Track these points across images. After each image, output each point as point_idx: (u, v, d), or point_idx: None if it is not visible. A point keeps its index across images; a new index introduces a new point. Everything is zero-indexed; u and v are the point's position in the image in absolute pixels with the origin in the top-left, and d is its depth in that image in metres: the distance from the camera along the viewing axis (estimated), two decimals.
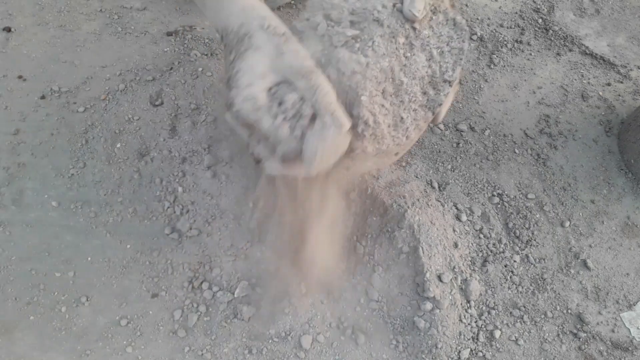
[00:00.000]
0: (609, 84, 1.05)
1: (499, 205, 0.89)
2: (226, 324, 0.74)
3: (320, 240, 0.71)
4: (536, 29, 1.12)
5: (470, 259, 0.82)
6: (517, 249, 0.85)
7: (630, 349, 0.79)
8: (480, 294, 0.80)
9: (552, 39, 1.10)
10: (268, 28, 0.51)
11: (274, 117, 0.51)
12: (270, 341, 0.73)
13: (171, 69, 0.95)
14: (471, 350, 0.76)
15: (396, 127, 0.56)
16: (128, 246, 0.79)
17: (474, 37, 1.08)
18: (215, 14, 0.54)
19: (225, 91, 0.53)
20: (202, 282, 0.76)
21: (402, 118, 0.56)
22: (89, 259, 0.78)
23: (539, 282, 0.83)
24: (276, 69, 0.51)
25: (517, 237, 0.86)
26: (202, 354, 0.72)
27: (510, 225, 0.87)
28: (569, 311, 0.81)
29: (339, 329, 0.75)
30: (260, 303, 0.75)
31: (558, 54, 1.08)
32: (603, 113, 1.01)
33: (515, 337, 0.78)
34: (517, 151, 0.95)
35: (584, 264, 0.85)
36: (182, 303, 0.75)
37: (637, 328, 0.81)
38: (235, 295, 0.75)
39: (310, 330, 0.74)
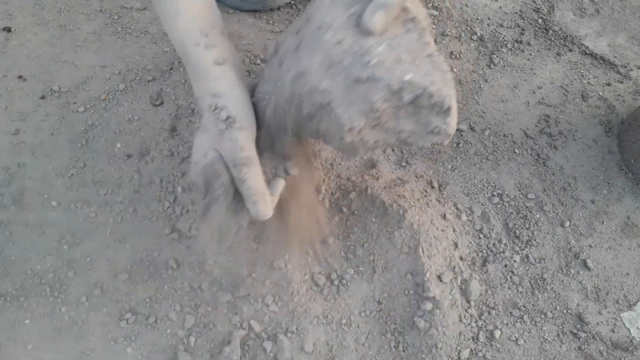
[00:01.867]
0: (609, 84, 1.05)
1: (499, 205, 0.89)
2: (227, 324, 0.74)
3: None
4: (536, 29, 1.12)
5: (470, 259, 0.82)
6: (517, 249, 0.85)
7: (630, 349, 0.79)
8: (480, 294, 0.80)
9: (552, 39, 1.10)
10: (215, 110, 0.52)
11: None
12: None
13: (171, 69, 0.95)
14: (471, 350, 0.76)
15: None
16: (128, 246, 0.79)
17: (474, 37, 1.08)
18: (190, 78, 0.56)
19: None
20: (201, 283, 0.76)
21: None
22: (89, 259, 0.78)
23: (539, 282, 0.83)
24: (219, 151, 0.53)
25: (517, 237, 0.86)
26: (202, 354, 0.72)
27: (510, 225, 0.87)
28: (569, 311, 0.81)
29: (339, 328, 0.75)
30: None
31: (558, 54, 1.08)
32: (603, 113, 1.01)
33: (515, 337, 0.78)
34: (517, 151, 0.95)
35: (584, 264, 0.85)
36: (183, 303, 0.75)
37: (637, 328, 0.81)
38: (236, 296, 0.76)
39: (311, 331, 0.74)
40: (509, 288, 0.81)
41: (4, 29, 0.97)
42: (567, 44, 1.10)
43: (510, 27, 1.11)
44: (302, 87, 0.51)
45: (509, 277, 0.82)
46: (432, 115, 0.52)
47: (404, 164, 0.90)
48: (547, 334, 0.79)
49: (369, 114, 0.50)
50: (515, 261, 0.84)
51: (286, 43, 0.55)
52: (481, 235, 0.85)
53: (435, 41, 1.07)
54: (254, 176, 0.52)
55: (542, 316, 0.80)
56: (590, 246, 0.87)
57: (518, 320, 0.79)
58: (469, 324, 0.77)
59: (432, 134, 0.54)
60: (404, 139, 0.55)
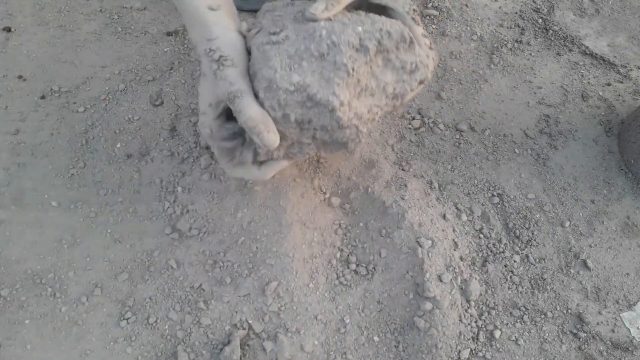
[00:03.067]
0: (609, 84, 1.05)
1: (499, 205, 0.89)
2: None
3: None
4: (536, 29, 1.12)
5: (470, 259, 0.82)
6: (517, 249, 0.85)
7: (630, 349, 0.79)
8: (480, 294, 0.80)
9: (552, 39, 1.10)
10: (209, 53, 0.54)
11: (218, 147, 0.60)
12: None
13: (171, 69, 0.95)
14: (471, 350, 0.76)
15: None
16: (128, 246, 0.79)
17: (474, 37, 1.08)
18: (187, 28, 0.58)
19: None
20: (202, 283, 0.76)
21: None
22: (89, 259, 0.78)
23: (539, 282, 0.83)
24: (218, 95, 0.55)
25: (517, 237, 0.86)
26: (202, 354, 0.72)
27: (510, 225, 0.87)
28: (569, 311, 0.81)
29: (339, 329, 0.75)
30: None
31: (558, 54, 1.08)
32: (603, 113, 1.01)
33: (515, 337, 0.78)
34: (517, 151, 0.95)
35: (584, 264, 0.85)
36: (183, 303, 0.75)
37: (637, 328, 0.81)
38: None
39: (311, 331, 0.74)
40: (509, 288, 0.81)
41: (4, 29, 0.97)
42: (567, 44, 1.10)
43: (510, 27, 1.11)
44: (276, 97, 0.54)
45: (509, 277, 0.82)
46: (401, 54, 0.56)
47: (404, 164, 0.90)
48: (547, 334, 0.79)
49: (346, 79, 0.52)
50: (515, 261, 0.84)
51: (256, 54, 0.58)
52: (481, 235, 0.85)
53: (435, 41, 1.07)
54: (248, 105, 0.53)
55: (542, 316, 0.80)
56: (590, 246, 0.87)
57: (518, 320, 0.79)
58: (469, 324, 0.77)
59: (412, 72, 0.58)
60: (392, 92, 0.57)
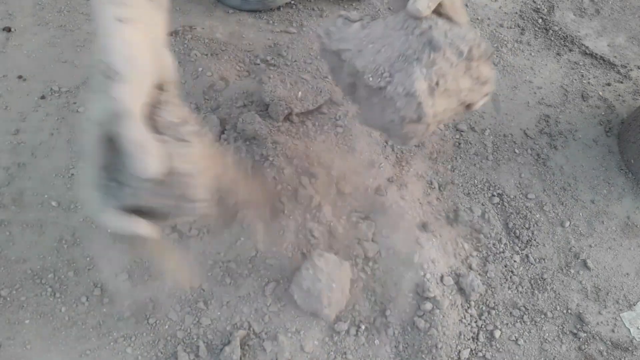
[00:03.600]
0: (609, 84, 1.05)
1: (499, 205, 0.89)
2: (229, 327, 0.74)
3: None
4: (536, 29, 1.12)
5: (470, 259, 0.82)
6: (517, 249, 0.85)
7: (630, 349, 0.79)
8: (480, 294, 0.80)
9: (552, 39, 1.10)
10: (101, 67, 0.49)
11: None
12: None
13: None
14: (471, 350, 0.76)
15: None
16: (128, 246, 0.79)
17: None
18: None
19: None
20: (201, 283, 0.76)
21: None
22: (89, 259, 0.77)
23: (539, 282, 0.83)
24: (102, 111, 0.49)
25: (517, 237, 0.86)
26: (202, 354, 0.72)
27: (510, 225, 0.87)
28: (569, 311, 0.81)
29: (339, 329, 0.75)
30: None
31: (558, 54, 1.08)
32: (603, 113, 1.01)
33: (515, 337, 0.78)
34: (517, 151, 0.95)
35: (584, 264, 0.85)
36: (182, 303, 0.75)
37: (637, 328, 0.81)
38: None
39: (311, 331, 0.74)
40: (509, 288, 0.81)
41: (4, 29, 0.97)
42: (567, 44, 1.10)
43: (510, 27, 1.11)
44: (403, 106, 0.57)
45: (509, 277, 0.82)
46: (481, 65, 0.60)
47: (404, 164, 0.90)
48: (547, 334, 0.79)
49: (437, 77, 0.56)
50: (515, 261, 0.84)
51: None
52: (481, 235, 0.85)
53: None
54: (132, 128, 0.48)
55: (542, 316, 0.80)
56: (590, 246, 0.87)
57: (518, 320, 0.79)
58: (469, 324, 0.77)
59: (483, 84, 0.62)
60: (464, 99, 0.61)
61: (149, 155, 0.49)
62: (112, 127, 0.49)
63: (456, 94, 0.59)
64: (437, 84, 0.56)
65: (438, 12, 0.59)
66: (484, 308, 0.79)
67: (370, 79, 0.57)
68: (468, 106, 0.62)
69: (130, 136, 0.48)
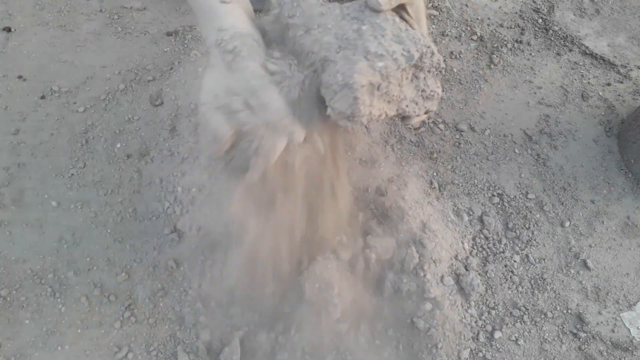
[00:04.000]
0: (609, 84, 1.05)
1: (499, 205, 0.89)
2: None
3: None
4: (536, 29, 1.12)
5: (470, 259, 0.82)
6: (517, 249, 0.85)
7: (630, 349, 0.79)
8: (480, 294, 0.80)
9: (552, 39, 1.10)
10: (220, 44, 0.52)
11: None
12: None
13: (171, 69, 0.95)
14: (471, 350, 0.76)
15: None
16: (128, 246, 0.79)
17: (474, 37, 1.08)
18: (198, 22, 0.55)
19: None
20: (201, 283, 0.76)
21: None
22: (89, 259, 0.78)
23: (539, 282, 0.83)
24: (228, 87, 0.52)
25: (517, 237, 0.86)
26: (202, 354, 0.72)
27: (510, 225, 0.87)
28: (569, 311, 0.81)
29: (339, 329, 0.75)
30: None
31: (558, 54, 1.08)
32: (603, 113, 1.01)
33: (515, 337, 0.78)
34: (517, 151, 0.95)
35: (584, 264, 0.85)
36: (182, 303, 0.75)
37: (637, 328, 0.81)
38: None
39: (311, 331, 0.74)
40: (509, 288, 0.81)
41: (4, 29, 0.97)
42: (567, 44, 1.10)
43: (510, 27, 1.11)
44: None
45: (509, 277, 0.82)
46: (428, 78, 0.57)
47: (404, 164, 0.90)
48: (547, 334, 0.79)
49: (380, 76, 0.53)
50: (515, 261, 0.84)
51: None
52: (481, 235, 0.85)
53: (435, 41, 1.07)
54: (275, 98, 0.51)
55: (542, 316, 0.80)
56: (590, 246, 0.87)
57: (518, 320, 0.79)
58: (469, 324, 0.77)
59: (426, 100, 0.58)
60: (403, 109, 0.57)
61: (294, 122, 0.52)
62: (249, 99, 0.51)
63: (397, 101, 0.56)
64: (379, 85, 0.53)
65: (400, 15, 0.56)
66: (484, 308, 0.79)
67: (311, 59, 0.54)
68: (404, 119, 0.59)
69: (276, 105, 0.51)
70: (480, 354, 0.76)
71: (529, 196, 0.90)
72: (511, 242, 0.86)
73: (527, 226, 0.87)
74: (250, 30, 0.55)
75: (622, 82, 1.06)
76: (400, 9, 0.55)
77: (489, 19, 1.12)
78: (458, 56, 1.05)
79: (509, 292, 0.81)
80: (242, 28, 0.54)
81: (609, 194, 0.92)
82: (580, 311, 0.81)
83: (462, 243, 0.83)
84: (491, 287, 0.81)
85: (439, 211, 0.85)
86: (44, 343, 0.72)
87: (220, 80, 0.53)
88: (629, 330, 0.80)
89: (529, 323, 0.79)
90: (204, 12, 0.55)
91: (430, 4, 1.12)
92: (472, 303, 0.79)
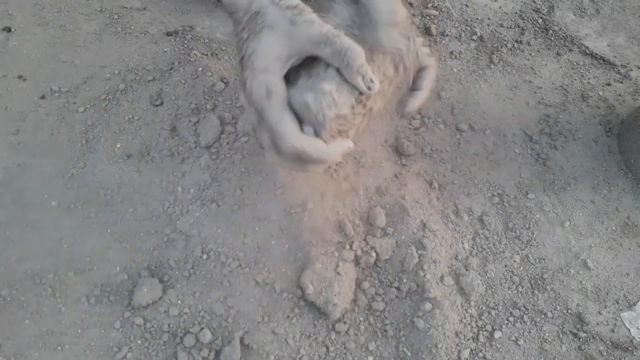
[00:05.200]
0: (609, 84, 1.05)
1: (498, 205, 0.89)
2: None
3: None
4: (536, 29, 1.12)
5: (470, 259, 0.82)
6: (517, 249, 0.85)
7: (630, 349, 0.79)
8: (480, 294, 0.80)
9: (552, 39, 1.10)
10: (280, 1, 0.49)
11: (282, 111, 0.49)
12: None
13: (171, 69, 0.95)
14: (471, 350, 0.76)
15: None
16: (128, 246, 0.79)
17: (474, 37, 1.08)
18: None
19: (239, 70, 0.51)
20: (201, 283, 0.76)
21: None
22: (89, 259, 0.78)
23: (539, 282, 0.83)
24: (294, 45, 0.49)
25: (517, 237, 0.86)
26: (202, 354, 0.72)
27: (510, 225, 0.87)
28: (569, 311, 0.81)
29: (339, 329, 0.75)
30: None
31: (558, 54, 1.08)
32: (603, 113, 1.01)
33: (515, 337, 0.78)
34: (517, 151, 0.95)
35: (584, 264, 0.85)
36: (182, 303, 0.75)
37: (637, 328, 0.81)
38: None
39: (311, 332, 0.74)
40: (509, 288, 0.81)
41: (4, 29, 0.97)
42: (567, 44, 1.10)
43: (510, 27, 1.11)
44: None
45: (509, 277, 0.82)
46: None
47: (404, 163, 0.90)
48: (547, 334, 0.79)
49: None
50: (515, 261, 0.84)
51: None
52: (481, 235, 0.85)
53: (436, 41, 1.07)
54: (352, 42, 0.49)
55: (542, 316, 0.80)
56: (590, 246, 0.87)
57: (518, 320, 0.79)
58: (469, 324, 0.77)
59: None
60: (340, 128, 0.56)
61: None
62: (318, 52, 0.50)
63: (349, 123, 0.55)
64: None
65: None
66: (484, 308, 0.79)
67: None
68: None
69: (357, 49, 0.49)
70: (480, 354, 0.76)
71: (529, 196, 0.90)
72: (511, 242, 0.86)
73: (527, 226, 0.87)
74: None
75: (622, 82, 1.06)
76: None
77: (489, 19, 1.12)
78: (458, 56, 1.05)
79: (509, 292, 0.81)
80: None
81: (609, 194, 0.92)
82: (580, 311, 0.81)
83: (462, 243, 0.83)
84: (491, 287, 0.81)
85: (439, 211, 0.85)
86: (44, 343, 0.71)
87: (282, 40, 0.49)
88: (629, 330, 0.80)
89: (529, 323, 0.79)
90: None
91: (430, 4, 1.12)
92: (472, 303, 0.79)
